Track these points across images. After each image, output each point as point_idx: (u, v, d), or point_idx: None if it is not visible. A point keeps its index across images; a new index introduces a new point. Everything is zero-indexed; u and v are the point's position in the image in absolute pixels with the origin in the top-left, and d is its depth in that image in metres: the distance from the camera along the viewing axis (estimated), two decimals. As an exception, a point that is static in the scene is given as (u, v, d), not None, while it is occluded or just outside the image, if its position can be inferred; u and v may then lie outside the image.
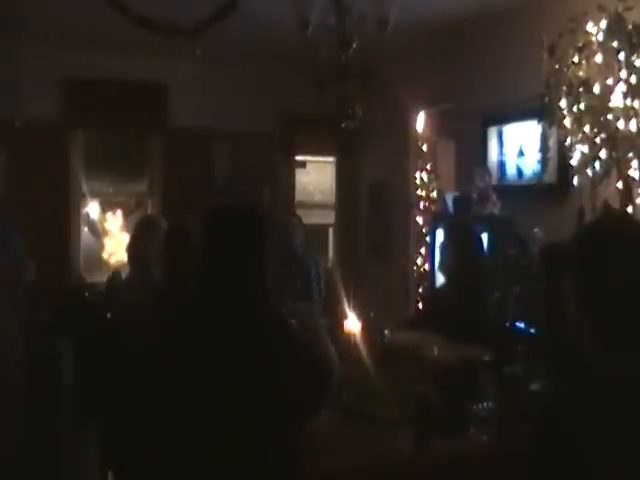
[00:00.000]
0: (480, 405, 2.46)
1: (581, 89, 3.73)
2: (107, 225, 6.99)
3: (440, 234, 4.53)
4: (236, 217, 2.32)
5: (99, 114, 6.47)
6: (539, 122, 4.56)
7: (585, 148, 3.78)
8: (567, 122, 3.84)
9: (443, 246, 3.60)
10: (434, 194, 6.48)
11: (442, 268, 3.60)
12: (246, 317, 2.17)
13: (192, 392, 2.21)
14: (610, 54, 3.64)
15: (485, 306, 3.39)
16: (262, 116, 6.79)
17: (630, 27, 3.59)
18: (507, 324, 3.77)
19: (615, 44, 3.61)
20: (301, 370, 2.15)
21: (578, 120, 3.77)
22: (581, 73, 3.74)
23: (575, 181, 3.97)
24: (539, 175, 4.96)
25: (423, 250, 6.38)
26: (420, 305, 5.99)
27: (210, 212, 2.35)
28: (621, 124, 3.60)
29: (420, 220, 6.51)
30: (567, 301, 1.47)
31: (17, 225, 4.21)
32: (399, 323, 3.60)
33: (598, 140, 3.70)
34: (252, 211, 2.38)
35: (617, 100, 3.60)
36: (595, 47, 3.70)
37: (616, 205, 3.72)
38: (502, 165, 5.37)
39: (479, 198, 5.03)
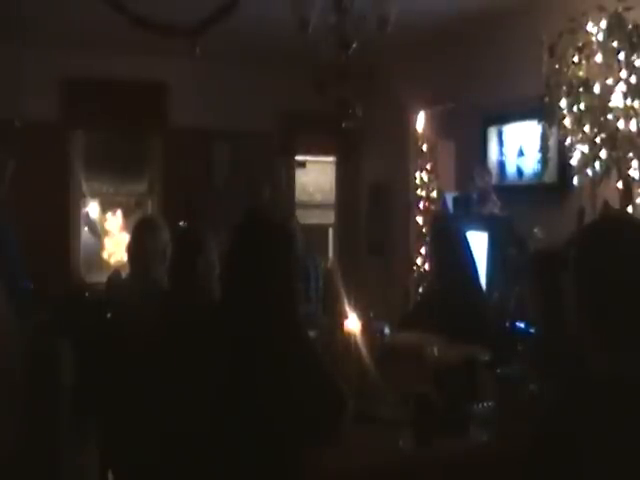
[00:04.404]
0: (480, 405, 2.46)
1: (581, 89, 3.73)
2: (107, 225, 7.00)
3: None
4: (270, 234, 2.34)
5: (99, 114, 6.47)
6: (539, 122, 4.57)
7: (585, 148, 3.78)
8: (567, 122, 3.84)
9: (429, 249, 3.63)
10: (434, 194, 6.48)
11: (431, 270, 3.64)
12: (268, 332, 2.18)
13: (193, 395, 2.21)
14: (610, 54, 3.64)
15: (476, 305, 3.37)
16: (262, 116, 6.79)
17: (630, 27, 3.59)
18: (507, 324, 3.77)
19: (615, 44, 3.61)
20: (319, 392, 2.16)
21: (578, 120, 3.77)
22: (581, 73, 3.74)
23: (575, 181, 3.97)
24: (539, 175, 4.96)
25: (423, 250, 6.37)
26: (413, 305, 5.99)
27: (243, 226, 2.37)
28: (621, 124, 3.60)
29: (420, 220, 6.52)
30: (567, 301, 1.47)
31: (12, 227, 4.21)
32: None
33: (598, 140, 3.70)
34: (286, 231, 2.41)
35: (617, 100, 3.60)
36: (595, 47, 3.70)
37: (616, 205, 3.72)
38: (502, 165, 5.37)
39: (479, 198, 5.03)
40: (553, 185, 4.81)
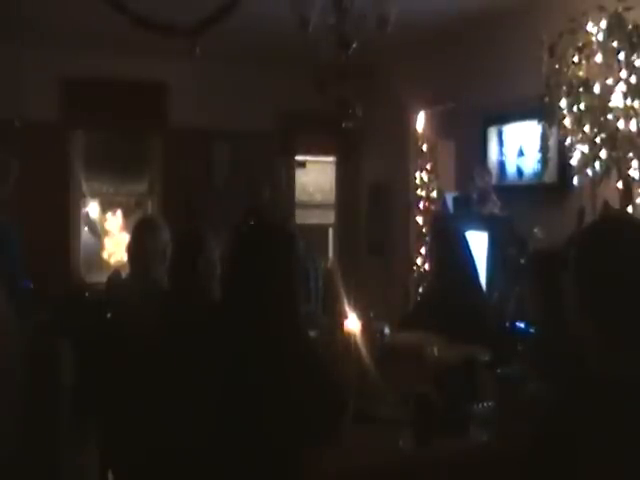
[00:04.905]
0: (480, 405, 2.46)
1: (581, 89, 3.73)
2: (107, 225, 7.00)
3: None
4: (271, 235, 2.34)
5: (99, 114, 6.47)
6: (539, 122, 4.56)
7: (585, 148, 3.78)
8: (567, 122, 3.84)
9: (429, 249, 3.62)
10: (434, 194, 6.48)
11: (431, 270, 3.64)
12: (269, 332, 2.18)
13: (193, 395, 2.21)
14: (610, 54, 3.64)
15: (476, 305, 3.37)
16: (262, 116, 6.79)
17: (630, 27, 3.59)
18: (507, 324, 3.77)
19: (615, 44, 3.61)
20: (319, 392, 2.16)
21: (578, 120, 3.77)
22: (581, 73, 3.74)
23: (575, 181, 3.97)
24: (539, 175, 4.96)
25: (423, 250, 6.38)
26: (413, 305, 5.99)
27: (244, 229, 2.38)
28: (621, 124, 3.60)
29: (420, 220, 6.52)
30: (567, 301, 1.47)
31: (15, 228, 4.22)
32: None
33: (598, 140, 3.70)
34: (287, 232, 2.41)
35: (617, 100, 3.60)
36: (595, 47, 3.70)
37: (616, 205, 3.72)
38: (502, 165, 5.37)
39: (479, 198, 5.03)
40: (553, 185, 4.81)
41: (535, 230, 4.28)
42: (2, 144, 4.79)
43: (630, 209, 3.67)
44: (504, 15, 5.08)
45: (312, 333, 2.75)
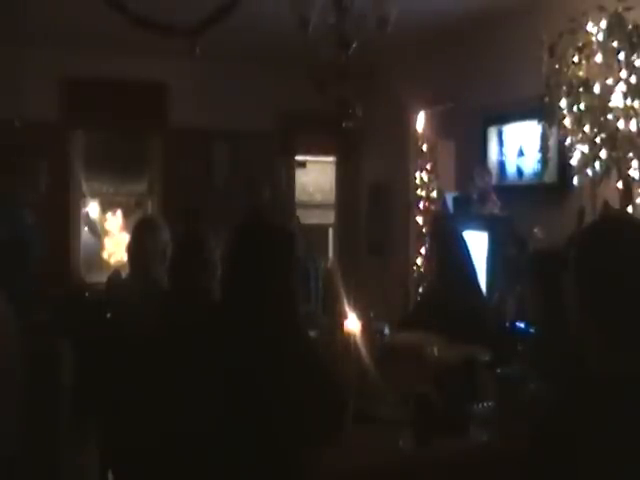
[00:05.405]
0: (480, 405, 2.46)
1: (581, 89, 3.73)
2: (107, 225, 7.00)
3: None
4: (271, 235, 2.35)
5: (99, 114, 6.48)
6: (539, 122, 4.56)
7: (585, 148, 3.78)
8: (567, 122, 3.84)
9: (429, 249, 3.63)
10: (434, 194, 6.48)
11: (431, 270, 3.65)
12: (269, 332, 2.18)
13: (193, 395, 2.21)
14: (610, 54, 3.64)
15: (476, 305, 3.38)
16: (262, 116, 6.79)
17: (630, 27, 3.59)
18: (507, 324, 3.77)
19: (615, 44, 3.61)
20: (320, 392, 2.16)
21: (578, 120, 3.77)
22: (581, 73, 3.74)
23: (575, 181, 3.97)
24: (539, 175, 4.96)
25: (423, 250, 6.37)
26: (413, 305, 5.99)
27: (243, 229, 2.38)
28: (621, 124, 3.60)
29: (420, 220, 6.52)
30: (567, 301, 1.47)
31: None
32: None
33: (598, 140, 3.70)
34: (287, 231, 2.42)
35: (617, 100, 3.60)
36: (595, 47, 3.70)
37: (616, 205, 3.72)
38: (502, 165, 5.37)
39: (479, 198, 5.03)
40: (553, 185, 4.81)
41: (535, 230, 4.28)
42: (33, 147, 4.80)
43: (630, 209, 3.67)
44: (504, 15, 5.08)
45: (312, 333, 2.75)
